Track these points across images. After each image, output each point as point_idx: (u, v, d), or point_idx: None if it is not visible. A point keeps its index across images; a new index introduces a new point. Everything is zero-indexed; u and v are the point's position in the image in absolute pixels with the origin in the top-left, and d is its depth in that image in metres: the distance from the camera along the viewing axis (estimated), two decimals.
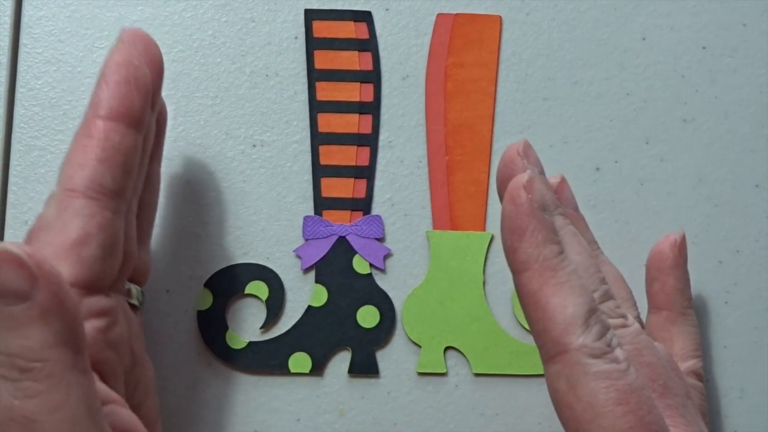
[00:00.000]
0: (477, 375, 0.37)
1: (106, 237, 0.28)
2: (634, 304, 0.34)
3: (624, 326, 0.29)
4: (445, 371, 0.37)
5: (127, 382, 0.30)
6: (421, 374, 0.37)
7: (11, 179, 0.37)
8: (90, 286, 0.28)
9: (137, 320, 0.32)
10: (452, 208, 0.38)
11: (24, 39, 0.38)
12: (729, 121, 0.39)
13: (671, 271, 0.35)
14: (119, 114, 0.29)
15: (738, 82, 0.39)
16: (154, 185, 0.34)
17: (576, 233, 0.30)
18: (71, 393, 0.23)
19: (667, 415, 0.28)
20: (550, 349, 0.27)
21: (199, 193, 0.37)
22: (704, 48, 0.39)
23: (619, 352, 0.27)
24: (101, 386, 0.27)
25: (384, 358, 0.37)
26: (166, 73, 0.38)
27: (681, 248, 0.35)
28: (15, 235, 0.36)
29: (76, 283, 0.28)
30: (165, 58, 0.38)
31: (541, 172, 0.30)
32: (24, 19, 0.38)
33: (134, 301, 0.32)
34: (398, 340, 0.37)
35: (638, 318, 0.33)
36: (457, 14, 0.39)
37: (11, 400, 0.23)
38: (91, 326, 0.28)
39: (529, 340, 0.37)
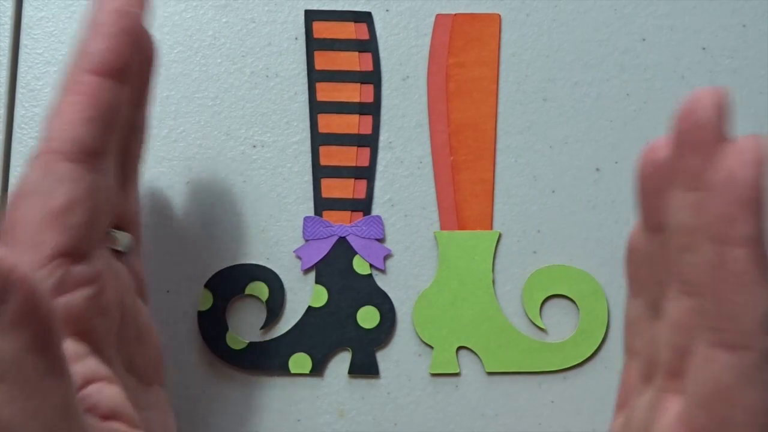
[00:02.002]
0: (488, 374, 0.37)
1: (93, 202, 0.27)
2: None
3: None
4: (458, 371, 0.37)
5: (119, 336, 0.29)
6: (422, 374, 0.37)
7: (11, 179, 0.37)
8: (77, 254, 0.27)
9: (123, 269, 0.30)
10: (459, 208, 0.38)
11: (24, 40, 0.38)
12: (729, 122, 0.39)
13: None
14: (112, 69, 0.27)
15: (738, 82, 0.39)
16: (139, 132, 0.32)
17: None
18: (47, 399, 0.22)
19: None
20: (733, 337, 0.24)
21: (199, 193, 0.37)
22: (704, 49, 0.39)
23: None
24: (89, 363, 0.27)
25: (384, 358, 0.37)
26: (167, 74, 0.38)
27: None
28: None
29: (64, 251, 0.27)
30: (165, 59, 0.38)
31: None
32: (24, 20, 0.38)
33: (119, 248, 0.30)
34: (398, 341, 0.37)
35: None
36: (456, 14, 0.39)
37: None
38: (80, 295, 0.27)
39: (541, 337, 0.37)
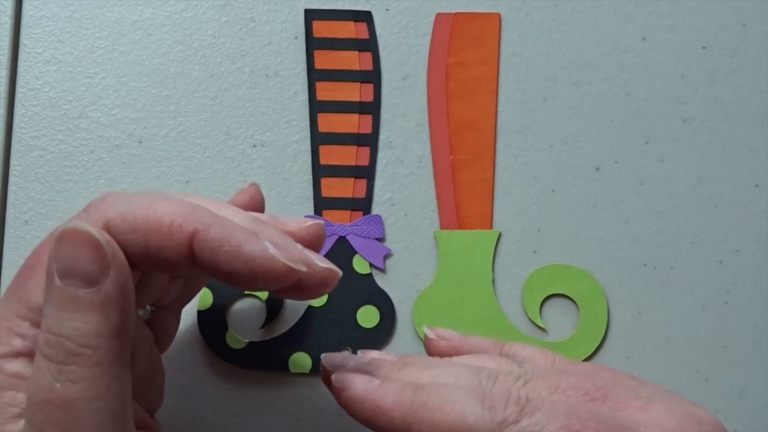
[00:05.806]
0: None
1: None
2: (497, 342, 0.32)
3: (521, 377, 0.27)
4: None
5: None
6: None
7: (11, 179, 0.37)
8: None
9: (146, 331, 0.30)
10: (459, 208, 0.38)
11: (24, 39, 0.38)
12: (729, 121, 0.39)
13: None
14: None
15: (738, 82, 0.39)
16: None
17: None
18: (112, 385, 0.23)
19: (625, 406, 0.26)
20: None
21: (199, 192, 0.37)
22: (704, 48, 0.39)
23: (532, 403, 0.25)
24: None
25: None
26: (166, 74, 0.38)
27: None
28: (15, 235, 0.36)
29: None
30: (165, 58, 0.38)
31: None
32: (24, 19, 0.38)
33: (141, 314, 0.31)
34: (398, 340, 0.37)
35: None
36: (456, 13, 0.39)
37: (52, 382, 0.23)
38: None
39: (540, 336, 0.37)
